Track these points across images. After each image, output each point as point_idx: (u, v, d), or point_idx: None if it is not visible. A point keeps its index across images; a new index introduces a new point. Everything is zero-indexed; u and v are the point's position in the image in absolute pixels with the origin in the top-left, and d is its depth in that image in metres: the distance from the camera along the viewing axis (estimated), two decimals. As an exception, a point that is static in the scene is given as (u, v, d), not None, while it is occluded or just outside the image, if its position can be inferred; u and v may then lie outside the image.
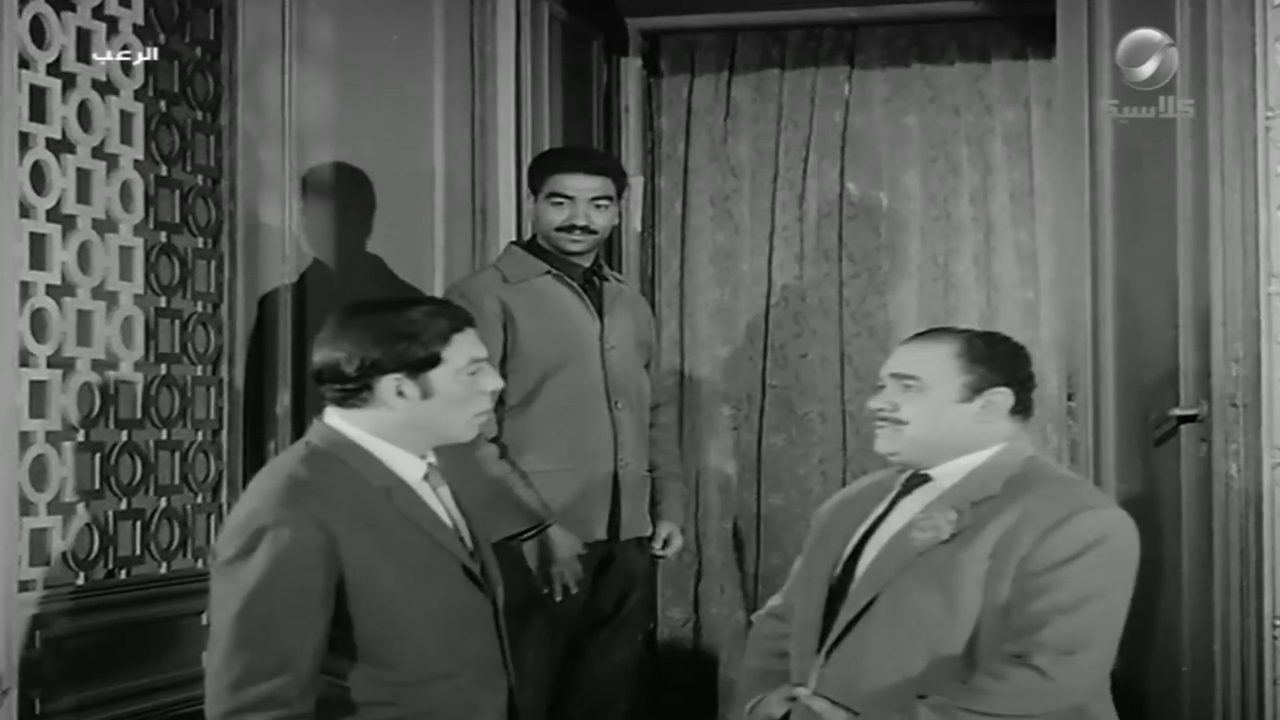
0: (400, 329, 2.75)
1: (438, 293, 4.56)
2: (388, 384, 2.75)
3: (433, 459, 2.85)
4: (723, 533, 5.75)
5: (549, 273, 4.13)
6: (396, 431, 2.78)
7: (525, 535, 3.98)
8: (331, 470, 2.73)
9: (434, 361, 2.76)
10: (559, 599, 3.99)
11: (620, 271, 5.12)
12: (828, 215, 5.72)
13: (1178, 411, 4.04)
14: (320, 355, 2.78)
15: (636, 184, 5.59)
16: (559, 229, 4.11)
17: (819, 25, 5.72)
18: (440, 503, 2.84)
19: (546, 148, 4.80)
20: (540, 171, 4.21)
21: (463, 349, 2.80)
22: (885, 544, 2.90)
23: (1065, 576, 2.76)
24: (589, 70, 5.43)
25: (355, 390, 2.75)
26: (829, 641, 2.89)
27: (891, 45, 5.72)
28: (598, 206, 4.13)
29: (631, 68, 5.65)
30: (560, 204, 4.11)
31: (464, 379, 2.80)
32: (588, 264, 4.19)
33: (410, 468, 2.80)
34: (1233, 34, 3.92)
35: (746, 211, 5.78)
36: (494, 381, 2.85)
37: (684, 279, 5.82)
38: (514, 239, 4.47)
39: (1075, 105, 4.34)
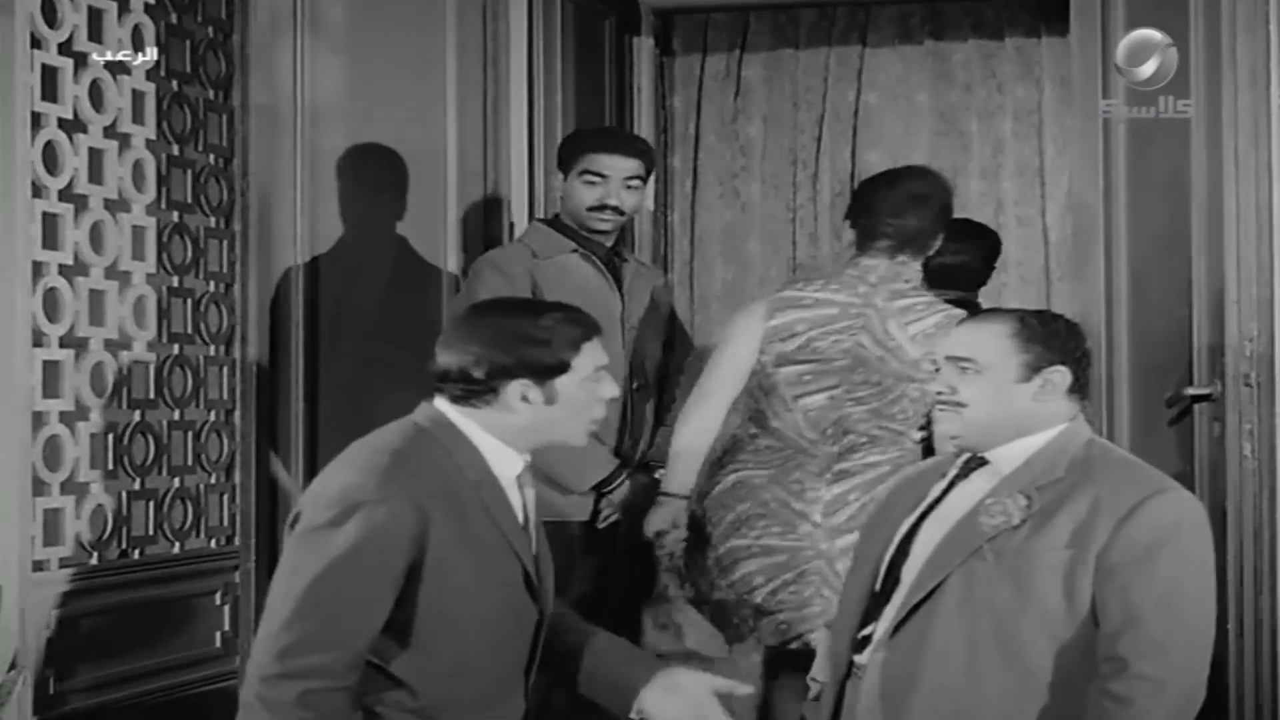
0: (533, 334, 2.72)
1: (450, 271, 4.57)
2: (514, 389, 2.71)
3: (529, 458, 2.81)
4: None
5: (576, 250, 4.12)
6: (510, 432, 2.75)
7: (610, 483, 4.01)
8: (432, 454, 2.69)
9: (562, 369, 2.73)
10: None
11: (634, 251, 5.09)
12: (840, 194, 5.71)
13: (1191, 391, 4.03)
14: (448, 357, 2.73)
15: (650, 163, 5.58)
16: (590, 208, 4.09)
17: (832, 4, 5.71)
18: (524, 504, 2.81)
19: (559, 127, 4.80)
20: (573, 149, 4.17)
21: (590, 357, 2.76)
22: (950, 528, 2.86)
23: (1152, 569, 2.72)
24: (601, 49, 5.40)
25: (479, 392, 2.72)
26: (890, 624, 2.86)
27: (905, 24, 5.70)
28: (629, 187, 4.11)
29: (644, 47, 5.61)
30: (594, 183, 4.08)
31: (588, 386, 2.76)
32: (609, 243, 4.18)
33: (508, 465, 2.77)
34: (1246, 12, 3.91)
35: (756, 190, 5.77)
36: (613, 389, 2.81)
37: (694, 257, 5.81)
38: (537, 217, 4.46)
39: (1090, 84, 4.32)
